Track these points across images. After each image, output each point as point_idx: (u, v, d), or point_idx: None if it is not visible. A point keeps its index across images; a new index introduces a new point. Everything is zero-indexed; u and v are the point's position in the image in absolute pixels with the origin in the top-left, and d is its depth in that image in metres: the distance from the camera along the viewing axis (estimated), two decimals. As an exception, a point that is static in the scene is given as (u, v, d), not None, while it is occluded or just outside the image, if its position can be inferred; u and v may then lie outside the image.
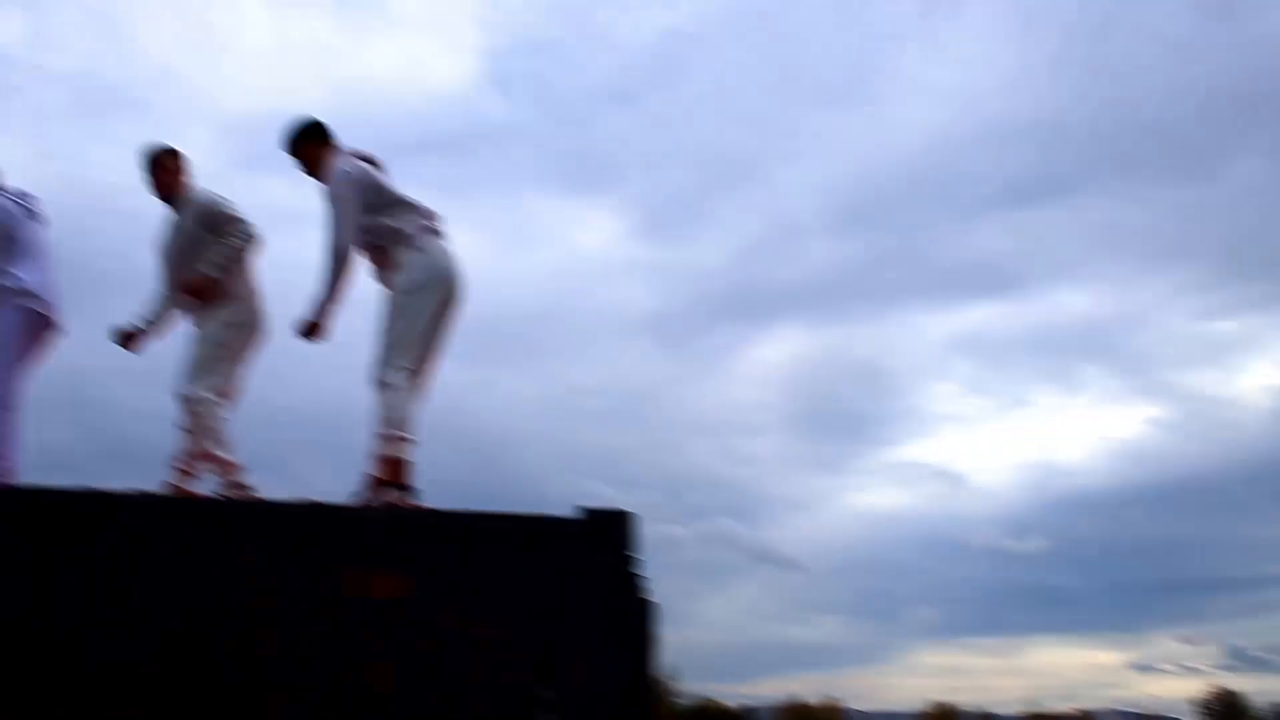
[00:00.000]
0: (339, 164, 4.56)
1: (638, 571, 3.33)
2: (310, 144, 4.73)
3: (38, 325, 4.77)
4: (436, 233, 4.53)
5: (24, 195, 5.06)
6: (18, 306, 4.72)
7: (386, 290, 4.41)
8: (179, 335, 4.96)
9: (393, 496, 4.08)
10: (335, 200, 4.44)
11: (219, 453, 4.55)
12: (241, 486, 4.51)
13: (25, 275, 4.73)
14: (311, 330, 4.44)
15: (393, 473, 4.11)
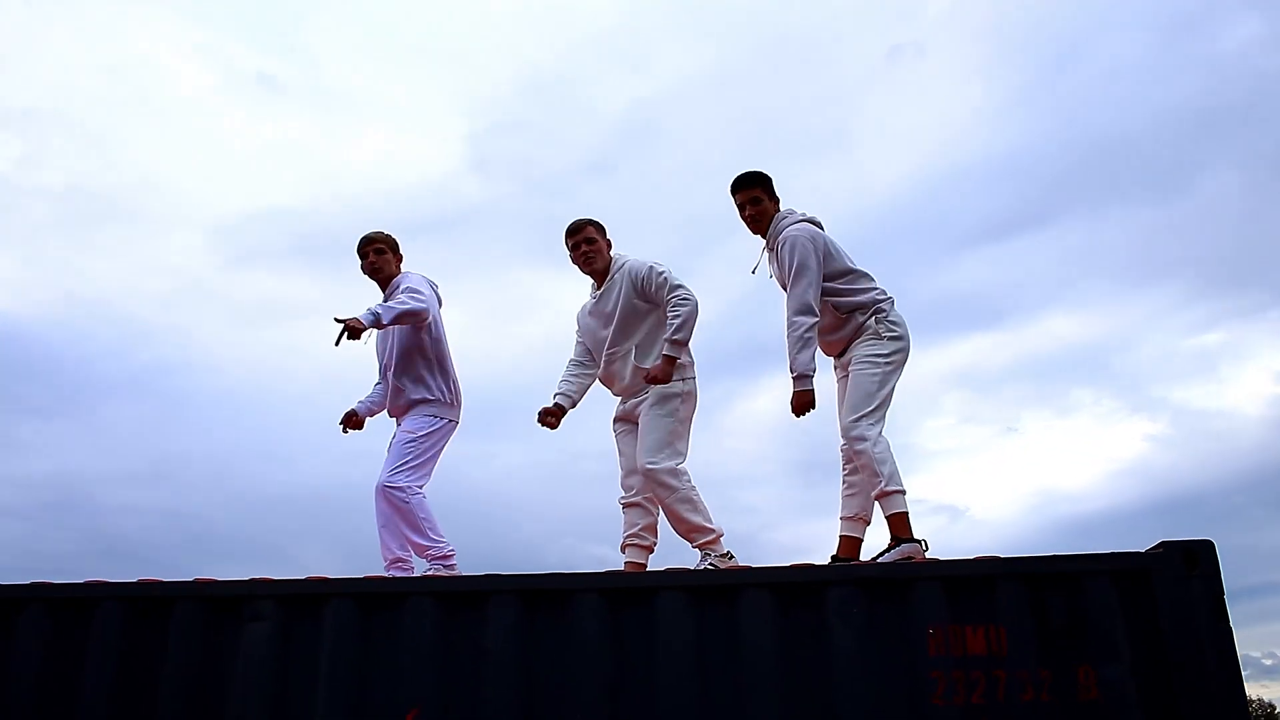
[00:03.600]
0: (801, 226, 4.48)
1: (1224, 601, 3.28)
2: (763, 193, 4.61)
3: (451, 430, 4.95)
4: (892, 299, 4.52)
5: (434, 283, 5.08)
6: (441, 418, 4.83)
7: (857, 355, 4.39)
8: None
9: (912, 550, 3.97)
10: (801, 262, 4.36)
11: (699, 520, 4.29)
12: (725, 556, 4.24)
13: (441, 378, 4.87)
14: (800, 403, 4.32)
15: (903, 526, 4.07)
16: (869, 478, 4.18)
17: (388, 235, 5.04)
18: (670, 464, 4.33)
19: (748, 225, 4.69)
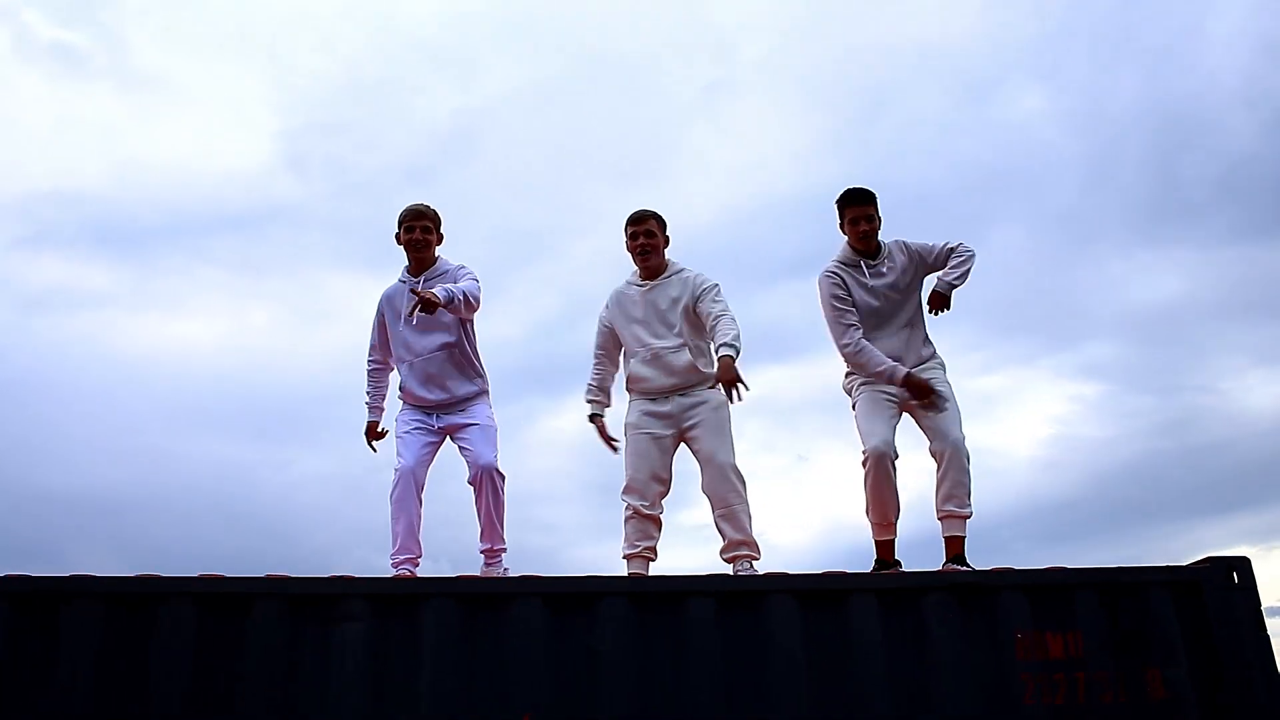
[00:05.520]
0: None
1: (1260, 611, 3.65)
2: (877, 210, 4.70)
3: None
4: None
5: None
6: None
7: (938, 377, 4.68)
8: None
9: (893, 570, 4.26)
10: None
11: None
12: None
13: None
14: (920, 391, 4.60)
15: (890, 551, 4.42)
16: (964, 496, 4.41)
17: (436, 213, 4.70)
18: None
19: (859, 238, 4.71)
